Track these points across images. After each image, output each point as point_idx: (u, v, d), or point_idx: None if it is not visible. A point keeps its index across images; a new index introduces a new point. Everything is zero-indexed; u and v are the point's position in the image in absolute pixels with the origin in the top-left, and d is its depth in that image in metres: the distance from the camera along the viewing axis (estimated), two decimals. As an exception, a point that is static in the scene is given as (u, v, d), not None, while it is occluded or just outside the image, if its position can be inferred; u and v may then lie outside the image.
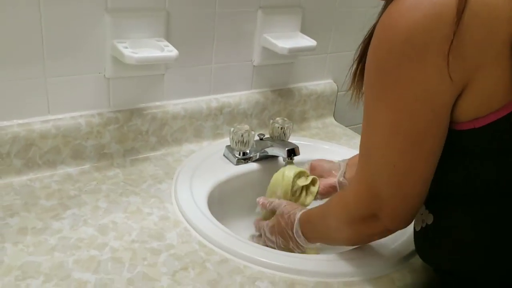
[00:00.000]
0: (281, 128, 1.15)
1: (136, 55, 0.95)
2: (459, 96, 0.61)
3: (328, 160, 1.08)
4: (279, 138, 1.16)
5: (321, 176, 1.05)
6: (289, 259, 0.84)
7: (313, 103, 1.35)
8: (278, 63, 1.26)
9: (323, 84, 1.37)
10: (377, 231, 0.75)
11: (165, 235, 0.88)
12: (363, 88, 0.69)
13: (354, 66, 0.77)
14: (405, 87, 0.61)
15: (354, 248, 0.87)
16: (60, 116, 1.01)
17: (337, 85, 1.39)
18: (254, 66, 1.22)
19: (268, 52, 1.19)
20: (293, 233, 0.88)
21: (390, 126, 0.64)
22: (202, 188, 1.01)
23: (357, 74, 0.77)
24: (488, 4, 0.57)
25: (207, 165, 1.10)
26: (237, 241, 0.87)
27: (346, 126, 1.41)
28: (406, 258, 0.87)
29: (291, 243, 0.90)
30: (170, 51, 0.99)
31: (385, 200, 0.69)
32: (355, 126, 1.52)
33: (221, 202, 1.06)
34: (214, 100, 1.18)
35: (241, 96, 1.22)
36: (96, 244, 0.84)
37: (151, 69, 1.06)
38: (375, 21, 0.71)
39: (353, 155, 1.04)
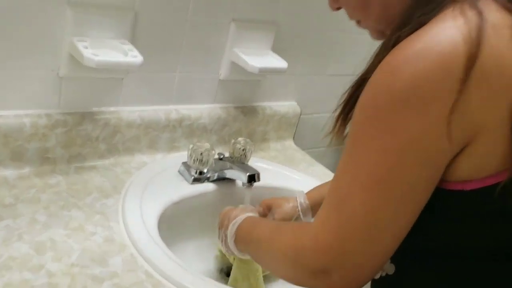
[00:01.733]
0: (243, 150, 1.09)
1: (96, 58, 0.86)
2: (455, 156, 0.57)
3: (280, 198, 1.02)
4: (239, 160, 1.10)
5: (278, 207, 1.00)
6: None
7: (275, 124, 1.30)
8: (245, 79, 1.20)
9: (287, 105, 1.32)
10: (320, 286, 0.66)
11: (108, 260, 0.80)
12: (349, 130, 0.64)
13: (339, 110, 0.72)
14: (401, 135, 0.57)
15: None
16: (1, 113, 0.90)
17: (300, 108, 1.35)
18: (220, 80, 1.16)
19: (236, 68, 1.13)
20: (227, 229, 0.83)
21: (378, 173, 0.59)
22: (153, 208, 0.94)
23: (340, 119, 0.73)
24: (499, 65, 0.54)
25: (160, 181, 1.02)
26: (188, 274, 0.80)
27: (303, 150, 1.37)
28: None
29: (220, 238, 0.86)
30: (135, 57, 0.91)
31: (351, 257, 0.60)
32: (312, 150, 1.49)
33: (172, 223, 0.99)
34: (174, 111, 1.11)
35: (202, 110, 1.15)
36: (30, 265, 0.75)
37: (110, 72, 0.98)
38: (368, 64, 0.67)
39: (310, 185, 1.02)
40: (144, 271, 0.79)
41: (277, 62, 1.15)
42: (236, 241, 0.81)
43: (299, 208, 0.98)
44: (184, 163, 1.07)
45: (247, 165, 1.09)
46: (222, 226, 0.87)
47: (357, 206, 0.59)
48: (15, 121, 0.90)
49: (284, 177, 1.17)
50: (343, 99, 0.69)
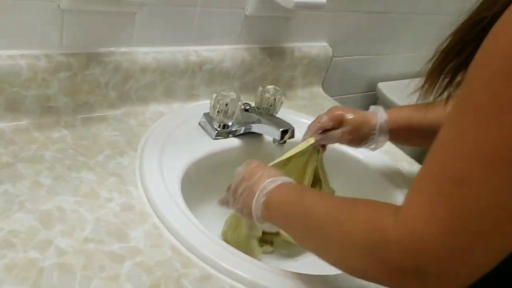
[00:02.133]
0: (273, 99, 0.95)
1: (108, -14, 0.70)
2: None
3: (353, 110, 0.86)
4: (267, 111, 0.96)
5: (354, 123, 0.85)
6: (293, 281, 0.66)
7: (303, 69, 1.15)
8: (273, 15, 1.03)
9: (317, 47, 1.16)
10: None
11: (128, 233, 0.67)
12: (465, 90, 0.48)
13: (436, 60, 0.57)
14: None
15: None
16: (-7, 54, 0.75)
17: (332, 50, 1.19)
18: (245, 15, 0.99)
19: (265, 1, 0.97)
20: (253, 194, 0.68)
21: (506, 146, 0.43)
22: (174, 168, 0.81)
23: (436, 71, 0.58)
24: None
25: (180, 135, 0.88)
26: (223, 250, 0.68)
27: (332, 97, 1.23)
28: None
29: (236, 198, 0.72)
30: (153, -14, 0.75)
31: (460, 256, 0.45)
32: (341, 97, 1.35)
33: (194, 184, 0.86)
34: (193, 53, 0.95)
35: (225, 52, 0.99)
36: (36, 241, 0.62)
37: (121, 3, 0.81)
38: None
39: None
40: (170, 246, 0.67)
41: (314, -4, 0.98)
42: (265, 208, 0.66)
43: (377, 130, 0.84)
44: (206, 115, 0.93)
45: (277, 118, 0.95)
46: (243, 183, 0.71)
47: (478, 189, 0.44)
48: (9, 63, 0.75)
49: (316, 131, 1.03)
50: (442, 46, 0.54)
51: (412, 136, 0.85)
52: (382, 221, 0.50)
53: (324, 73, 1.20)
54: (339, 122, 0.85)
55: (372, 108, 0.87)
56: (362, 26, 1.23)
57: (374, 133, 0.84)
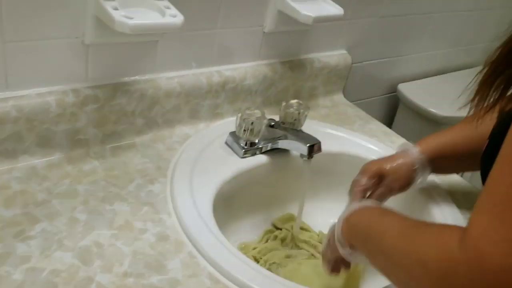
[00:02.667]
0: (298, 113, 0.95)
1: (131, 22, 0.70)
2: None
3: (387, 159, 0.83)
4: (293, 126, 0.96)
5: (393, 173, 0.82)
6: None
7: (324, 78, 1.15)
8: (291, 30, 1.04)
9: (336, 56, 1.16)
10: None
11: (166, 264, 0.68)
12: None
13: (486, 72, 0.57)
14: None
15: None
16: (22, 93, 0.76)
17: (351, 57, 1.19)
18: (264, 32, 0.99)
19: (283, 18, 0.97)
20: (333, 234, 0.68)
21: None
22: (205, 191, 0.81)
23: (486, 84, 0.57)
24: None
25: (208, 156, 0.89)
26: (260, 275, 0.69)
27: (352, 102, 1.23)
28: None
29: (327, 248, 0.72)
30: (174, 16, 0.75)
31: None
32: (361, 101, 1.34)
33: (225, 204, 0.87)
34: (216, 73, 0.95)
35: (246, 69, 1.00)
36: (78, 280, 0.63)
37: (145, 35, 0.82)
38: None
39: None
40: (207, 274, 0.68)
41: (331, 8, 0.98)
42: (345, 235, 0.66)
43: (417, 166, 0.81)
44: (232, 133, 0.93)
45: (303, 132, 0.95)
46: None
47: None
48: (38, 101, 0.76)
49: (342, 141, 1.03)
50: (491, 59, 0.54)
51: (453, 161, 0.83)
52: (449, 244, 0.49)
53: (344, 80, 1.20)
54: (379, 177, 0.82)
55: (400, 147, 0.85)
56: (379, 30, 1.22)
57: (415, 169, 0.82)
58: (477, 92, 0.57)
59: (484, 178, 0.61)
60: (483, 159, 0.66)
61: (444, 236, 0.50)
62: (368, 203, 0.70)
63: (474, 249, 0.46)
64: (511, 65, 0.51)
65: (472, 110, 0.58)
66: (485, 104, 0.56)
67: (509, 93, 0.55)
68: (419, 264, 0.52)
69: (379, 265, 0.61)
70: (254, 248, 0.91)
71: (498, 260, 0.44)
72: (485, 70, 0.55)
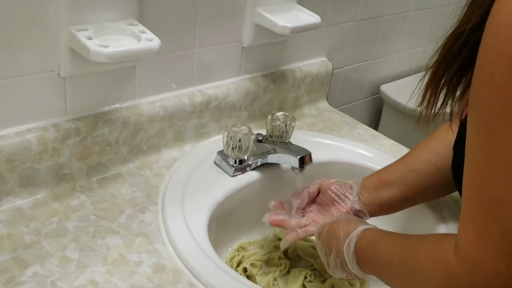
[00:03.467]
0: (285, 126, 0.93)
1: (106, 50, 0.68)
2: None
3: (337, 182, 0.84)
4: (280, 139, 0.95)
5: (330, 203, 0.83)
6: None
7: (307, 87, 1.14)
8: (270, 42, 1.02)
9: (317, 63, 1.15)
10: None
11: (166, 296, 0.66)
12: (478, 109, 0.47)
13: (429, 75, 0.57)
14: None
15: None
16: (1, 133, 0.73)
17: (332, 63, 1.18)
18: (243, 47, 0.98)
19: (261, 31, 0.95)
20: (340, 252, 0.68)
21: None
22: (198, 215, 0.79)
23: (431, 87, 0.58)
24: None
25: (197, 179, 0.87)
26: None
27: (336, 108, 1.22)
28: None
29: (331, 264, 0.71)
30: (150, 40, 0.73)
31: None
32: (345, 106, 1.34)
33: (220, 225, 0.85)
34: (198, 93, 0.94)
35: (228, 86, 0.98)
36: (75, 323, 0.61)
37: (122, 62, 0.80)
38: (463, 13, 0.53)
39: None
40: (209, 302, 0.66)
41: (308, 17, 0.97)
42: (359, 264, 0.66)
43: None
44: (220, 152, 0.91)
45: (291, 144, 0.93)
46: (330, 251, 0.70)
47: None
48: (17, 140, 0.74)
49: (331, 148, 1.02)
50: (432, 62, 0.55)
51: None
52: (445, 256, 0.50)
53: (327, 87, 1.19)
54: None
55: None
56: (356, 34, 1.22)
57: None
58: (424, 96, 0.58)
59: (458, 187, 0.62)
60: (453, 170, 0.67)
61: (440, 250, 0.52)
62: (362, 226, 0.69)
63: (468, 260, 0.48)
64: (450, 68, 0.52)
65: (422, 115, 0.59)
66: (434, 107, 0.58)
67: (457, 95, 0.56)
68: (422, 282, 0.54)
69: (392, 284, 0.63)
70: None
71: (491, 266, 0.46)
72: (427, 74, 0.57)
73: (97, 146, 0.82)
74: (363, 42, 1.27)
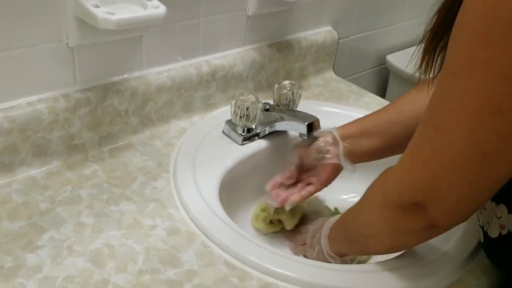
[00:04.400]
0: (292, 94, 0.94)
1: (114, 17, 0.69)
2: None
3: (313, 145, 0.85)
4: (288, 107, 0.95)
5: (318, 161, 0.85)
6: (356, 275, 0.66)
7: (313, 57, 1.14)
8: (275, 11, 1.02)
9: (322, 32, 1.15)
10: (418, 225, 0.58)
11: (180, 256, 0.67)
12: (452, 53, 0.49)
13: (427, 40, 0.58)
14: None
15: (400, 255, 0.71)
16: (12, 104, 0.74)
17: (337, 32, 1.18)
18: (248, 16, 0.98)
19: (265, -1, 0.96)
20: (318, 237, 0.76)
21: (495, 102, 0.46)
22: (209, 181, 0.80)
23: (430, 50, 0.58)
24: None
25: (207, 147, 0.88)
26: (275, 256, 0.68)
27: (344, 78, 1.22)
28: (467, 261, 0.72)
29: (314, 250, 0.77)
30: (156, 7, 0.74)
31: (444, 191, 0.53)
32: (352, 76, 1.34)
33: (231, 192, 0.86)
34: (204, 63, 0.94)
35: (234, 56, 0.99)
36: (93, 283, 0.62)
37: (128, 31, 0.80)
38: None
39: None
40: (223, 262, 0.67)
41: (313, -16, 0.97)
42: (331, 242, 0.74)
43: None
44: (228, 122, 0.92)
45: (298, 112, 0.94)
46: (312, 245, 0.79)
47: (461, 136, 0.49)
48: (29, 110, 0.75)
49: (339, 117, 1.02)
50: (430, 26, 0.57)
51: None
52: (387, 176, 0.61)
53: (333, 57, 1.19)
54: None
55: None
56: (361, 3, 1.21)
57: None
58: (423, 59, 0.59)
59: None
60: None
61: (383, 175, 0.63)
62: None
63: (401, 173, 0.58)
64: (449, 29, 0.53)
65: (420, 78, 0.61)
66: (433, 70, 0.59)
67: None
68: (371, 205, 0.64)
69: (358, 250, 0.73)
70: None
71: (421, 177, 0.54)
72: (425, 38, 0.58)
73: (107, 116, 0.83)
74: (368, 12, 1.26)
